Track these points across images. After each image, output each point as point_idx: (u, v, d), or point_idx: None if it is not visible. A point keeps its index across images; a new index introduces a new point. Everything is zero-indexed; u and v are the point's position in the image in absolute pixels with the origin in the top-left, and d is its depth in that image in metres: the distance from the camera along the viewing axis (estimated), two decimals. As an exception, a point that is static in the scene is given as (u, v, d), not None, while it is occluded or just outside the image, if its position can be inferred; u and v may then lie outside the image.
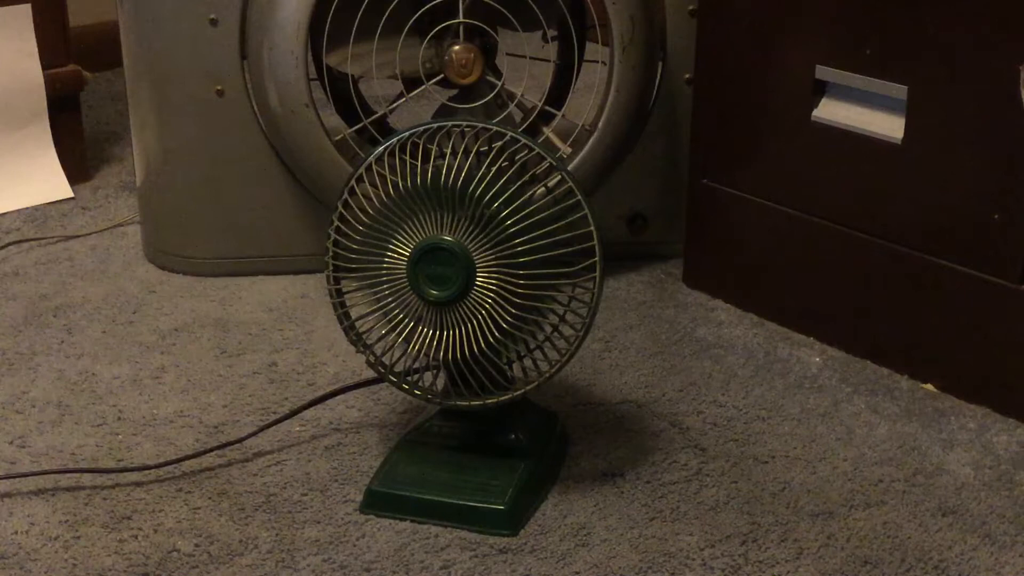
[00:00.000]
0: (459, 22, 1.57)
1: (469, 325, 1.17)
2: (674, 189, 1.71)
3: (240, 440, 1.33)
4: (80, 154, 2.03)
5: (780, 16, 1.50)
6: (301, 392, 1.43)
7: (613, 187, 1.69)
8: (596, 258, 1.17)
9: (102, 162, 2.11)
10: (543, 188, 1.18)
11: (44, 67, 1.95)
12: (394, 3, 1.54)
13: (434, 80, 1.60)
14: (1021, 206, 1.33)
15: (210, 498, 1.25)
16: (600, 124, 1.62)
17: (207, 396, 1.43)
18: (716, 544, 1.19)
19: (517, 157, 1.18)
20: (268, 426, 1.34)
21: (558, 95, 1.70)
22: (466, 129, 1.20)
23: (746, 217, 1.59)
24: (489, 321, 1.16)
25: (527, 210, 1.16)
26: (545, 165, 1.18)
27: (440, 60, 1.60)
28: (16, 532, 1.20)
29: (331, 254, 1.22)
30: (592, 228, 1.17)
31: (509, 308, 1.16)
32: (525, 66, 1.61)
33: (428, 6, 1.55)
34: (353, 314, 1.23)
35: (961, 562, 1.17)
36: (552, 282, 1.17)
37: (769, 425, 1.37)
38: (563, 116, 1.65)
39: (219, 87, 1.64)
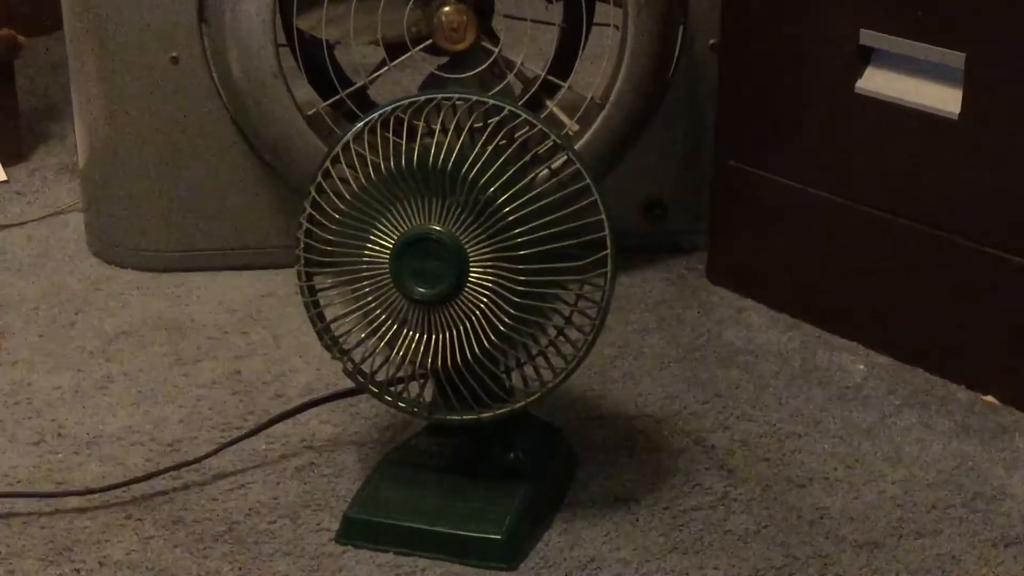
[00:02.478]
0: (450, -21, 1.57)
1: (461, 328, 1.17)
2: (697, 172, 1.71)
3: (198, 460, 1.32)
4: (14, 131, 2.03)
5: (819, -27, 1.50)
6: (268, 405, 1.43)
7: (627, 170, 1.69)
8: (607, 251, 1.17)
9: (39, 140, 2.11)
10: (546, 170, 1.18)
11: (-27, 31, 1.96)
12: (375, -43, 1.54)
13: (421, 46, 1.60)
14: (1095, 191, 1.33)
15: (164, 527, 1.25)
16: (612, 97, 1.62)
17: (160, 409, 1.43)
18: (745, 580, 1.19)
19: (516, 135, 1.18)
20: (230, 444, 1.34)
21: (564, 64, 1.70)
22: (458, 102, 1.20)
23: (779, 204, 1.59)
24: (484, 323, 1.16)
25: (528, 196, 1.16)
26: (549, 144, 1.18)
27: (428, 23, 1.60)
28: (-60, 566, 1.20)
29: (303, 246, 1.22)
30: (603, 216, 1.17)
31: (507, 308, 1.16)
32: (525, 30, 1.61)
33: (414, -39, 1.55)
34: (328, 315, 1.23)
35: (1027, 600, 1.17)
36: (557, 278, 1.17)
37: (806, 443, 1.38)
38: (569, 88, 1.65)
39: (174, 54, 1.64)
